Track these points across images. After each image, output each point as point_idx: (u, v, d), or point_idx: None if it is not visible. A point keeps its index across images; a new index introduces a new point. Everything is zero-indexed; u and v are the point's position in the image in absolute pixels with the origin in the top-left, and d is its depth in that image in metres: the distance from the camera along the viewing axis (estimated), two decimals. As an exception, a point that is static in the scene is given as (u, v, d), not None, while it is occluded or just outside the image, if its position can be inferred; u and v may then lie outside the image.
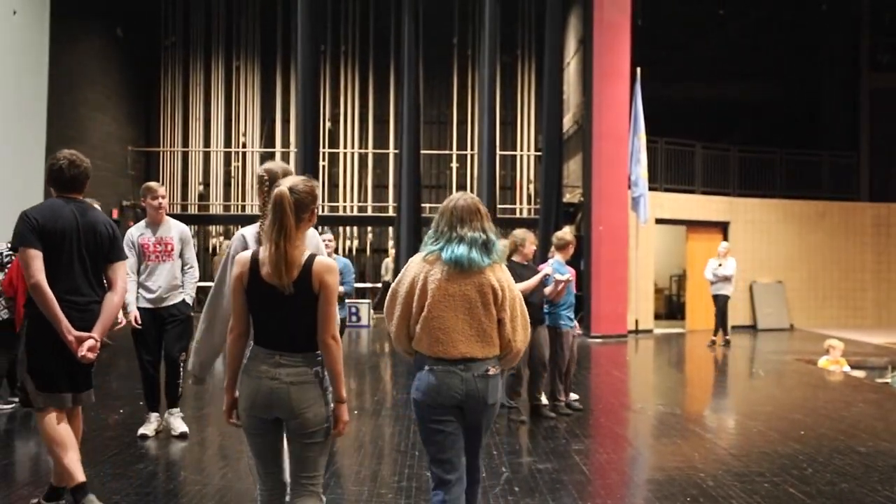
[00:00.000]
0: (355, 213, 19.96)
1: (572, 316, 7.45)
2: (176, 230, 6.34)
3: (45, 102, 13.90)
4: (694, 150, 16.88)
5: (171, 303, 6.22)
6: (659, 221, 15.85)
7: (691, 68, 18.79)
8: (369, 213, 19.82)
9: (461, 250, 3.45)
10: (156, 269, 6.18)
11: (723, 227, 16.83)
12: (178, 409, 6.40)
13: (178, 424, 6.29)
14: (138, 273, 6.13)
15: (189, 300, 6.34)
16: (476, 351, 3.45)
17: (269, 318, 3.21)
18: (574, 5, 17.51)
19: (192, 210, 19.78)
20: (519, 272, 6.31)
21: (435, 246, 3.53)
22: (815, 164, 18.08)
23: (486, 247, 3.49)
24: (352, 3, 20.10)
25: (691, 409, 8.60)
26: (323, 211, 15.97)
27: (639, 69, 14.40)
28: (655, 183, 15.82)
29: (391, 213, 18.30)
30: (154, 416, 6.31)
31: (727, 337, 13.55)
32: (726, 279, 13.32)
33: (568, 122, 17.71)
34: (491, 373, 3.49)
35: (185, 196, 20.13)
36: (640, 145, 14.38)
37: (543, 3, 15.45)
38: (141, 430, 6.21)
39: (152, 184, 6.38)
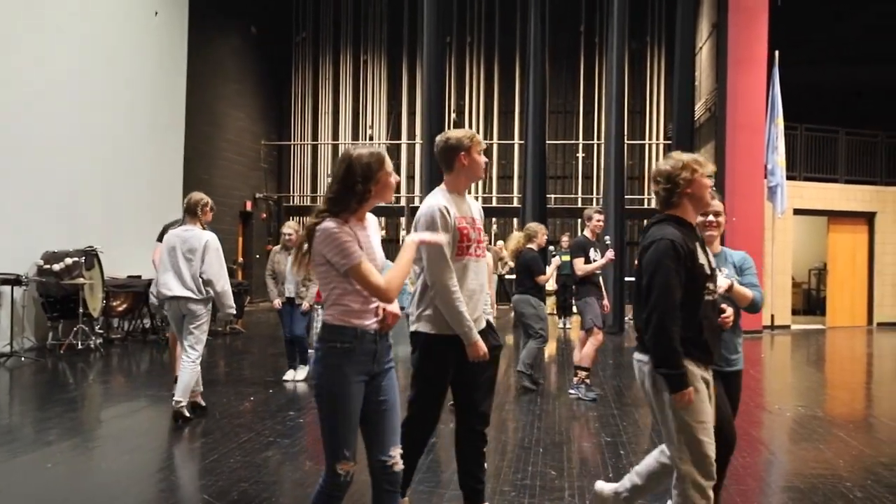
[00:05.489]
0: (480, 203, 19.95)
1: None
2: (477, 210, 3.97)
3: (183, 99, 14.57)
4: (837, 136, 15.93)
5: (482, 325, 3.78)
6: (797, 212, 15.08)
7: (835, 50, 17.71)
8: (494, 203, 19.76)
9: None
10: (468, 268, 3.69)
11: (868, 218, 15.84)
12: None
13: None
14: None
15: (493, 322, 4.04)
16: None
17: None
18: (707, -13, 16.84)
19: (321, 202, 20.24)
20: (532, 256, 7.93)
21: None
22: (976, 150, 16.71)
23: None
24: (477, -7, 20.06)
25: (834, 411, 8.07)
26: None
27: (777, 52, 13.69)
28: (794, 171, 15.05)
29: (516, 203, 18.17)
30: None
31: None
32: None
33: (699, 109, 17.07)
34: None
35: (314, 188, 20.67)
36: (778, 132, 13.71)
37: (674, -14, 14.90)
38: None
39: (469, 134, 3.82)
